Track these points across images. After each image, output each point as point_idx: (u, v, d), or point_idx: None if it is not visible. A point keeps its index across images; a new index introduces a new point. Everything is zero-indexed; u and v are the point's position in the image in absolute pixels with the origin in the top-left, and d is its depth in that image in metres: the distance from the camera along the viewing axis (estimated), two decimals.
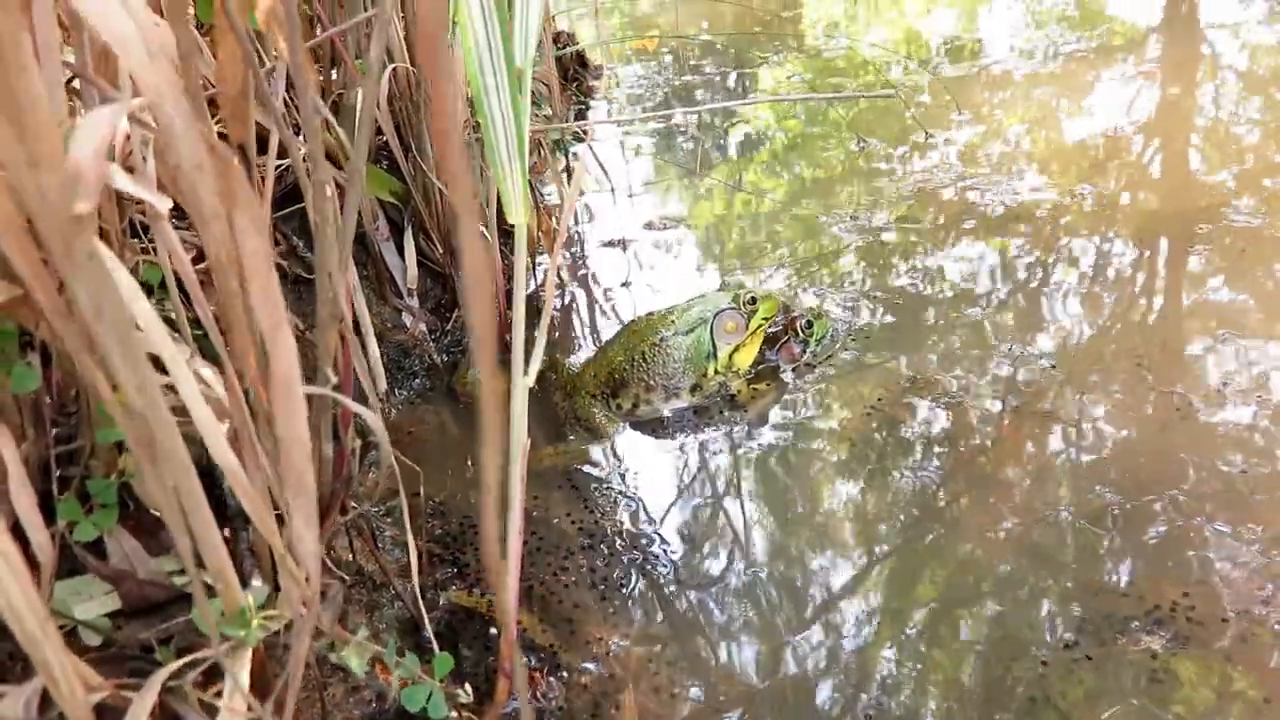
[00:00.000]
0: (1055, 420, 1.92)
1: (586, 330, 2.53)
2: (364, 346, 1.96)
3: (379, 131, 2.22)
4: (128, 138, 1.30)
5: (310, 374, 1.26)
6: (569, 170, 3.03)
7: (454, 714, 1.27)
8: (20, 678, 1.06)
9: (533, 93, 1.88)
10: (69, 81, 1.27)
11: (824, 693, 1.43)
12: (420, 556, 1.42)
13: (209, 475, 1.33)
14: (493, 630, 1.55)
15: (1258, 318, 2.13)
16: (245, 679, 0.96)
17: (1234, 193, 2.67)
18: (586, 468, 1.99)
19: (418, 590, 1.31)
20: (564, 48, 3.96)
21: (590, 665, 1.50)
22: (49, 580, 1.00)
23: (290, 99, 1.80)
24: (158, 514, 1.21)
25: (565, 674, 1.48)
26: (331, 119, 1.25)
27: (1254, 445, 1.78)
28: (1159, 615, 1.47)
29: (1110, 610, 1.49)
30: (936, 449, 1.90)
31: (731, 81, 4.35)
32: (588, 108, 4.10)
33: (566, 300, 2.64)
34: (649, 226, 2.99)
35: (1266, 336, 2.06)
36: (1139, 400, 1.94)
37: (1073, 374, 2.04)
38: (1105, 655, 1.42)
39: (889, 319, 2.35)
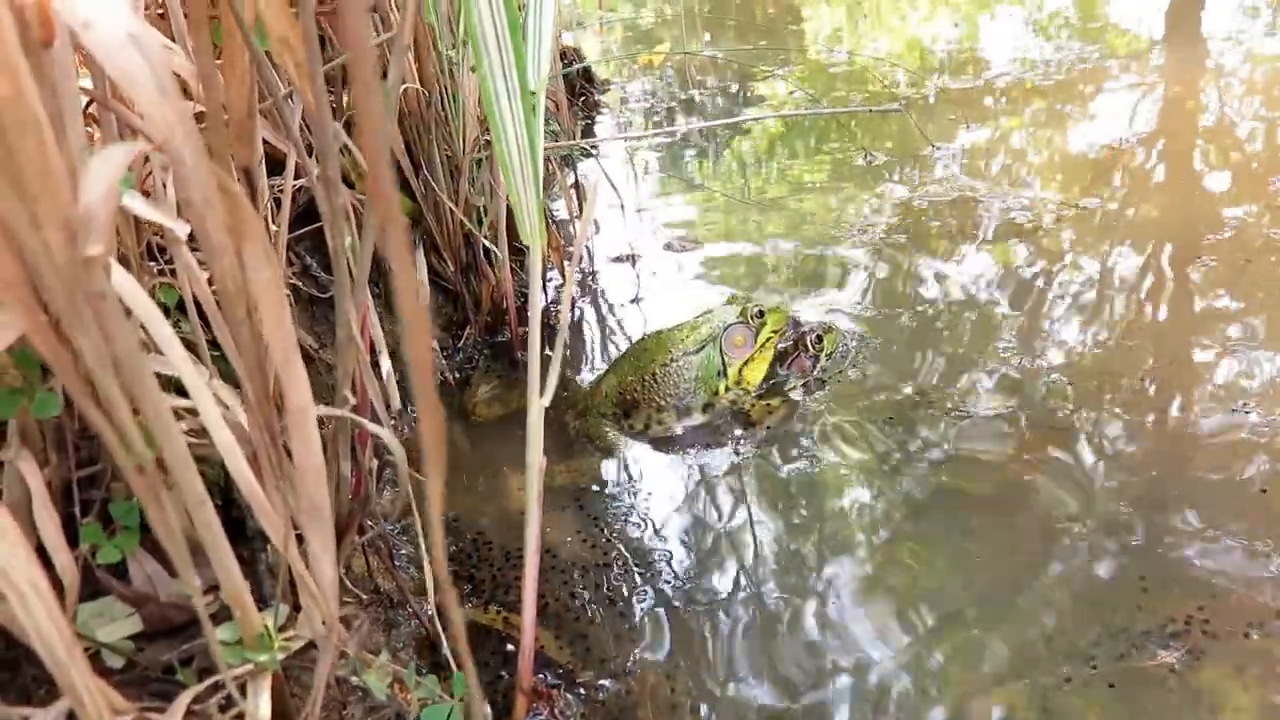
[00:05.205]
0: (1067, 434, 1.92)
1: (596, 346, 2.54)
2: (379, 367, 1.97)
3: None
4: (146, 160, 1.32)
5: (327, 394, 1.27)
6: (577, 186, 3.04)
7: None
8: (44, 701, 1.07)
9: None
10: (87, 106, 1.28)
11: (839, 712, 1.43)
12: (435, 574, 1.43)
13: (225, 494, 1.35)
14: (509, 647, 1.56)
15: (1267, 329, 2.13)
16: (267, 703, 0.97)
17: (1239, 204, 2.67)
18: (599, 486, 2.00)
19: (434, 609, 1.31)
20: (570, 64, 3.98)
21: (606, 682, 1.50)
22: (72, 603, 1.00)
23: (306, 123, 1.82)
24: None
25: (582, 691, 1.48)
26: (348, 140, 1.26)
27: (1266, 458, 1.77)
28: (1175, 629, 1.46)
29: (1126, 625, 1.49)
30: (948, 464, 1.90)
31: (736, 95, 4.37)
32: (594, 122, 4.13)
33: (576, 316, 2.65)
34: (668, 248, 2.98)
35: (1277, 349, 2.06)
36: (1149, 413, 1.94)
37: (1083, 387, 2.04)
38: (1122, 671, 1.42)
39: (899, 332, 2.35)
